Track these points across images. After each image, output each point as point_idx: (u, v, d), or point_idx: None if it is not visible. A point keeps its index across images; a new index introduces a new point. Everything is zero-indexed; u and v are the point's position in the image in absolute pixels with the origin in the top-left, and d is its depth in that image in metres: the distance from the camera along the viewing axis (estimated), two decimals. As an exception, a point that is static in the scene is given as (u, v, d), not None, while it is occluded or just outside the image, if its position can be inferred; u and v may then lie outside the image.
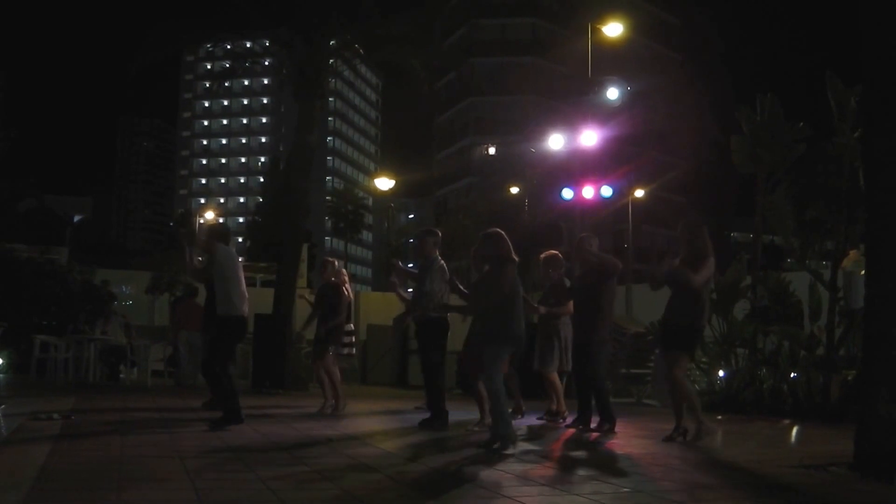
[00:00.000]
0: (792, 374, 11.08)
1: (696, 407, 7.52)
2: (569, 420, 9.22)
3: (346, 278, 10.85)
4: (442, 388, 8.91)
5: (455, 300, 8.73)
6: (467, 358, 8.39)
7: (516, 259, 7.18)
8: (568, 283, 9.74)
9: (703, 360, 11.99)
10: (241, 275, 8.58)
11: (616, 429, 8.39)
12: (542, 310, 9.46)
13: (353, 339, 11.27)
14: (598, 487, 5.26)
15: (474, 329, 7.34)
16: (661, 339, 8.01)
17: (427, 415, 8.94)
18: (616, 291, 9.06)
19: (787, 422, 9.92)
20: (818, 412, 10.02)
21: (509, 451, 6.65)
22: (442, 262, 8.90)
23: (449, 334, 8.97)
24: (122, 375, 15.54)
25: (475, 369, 7.96)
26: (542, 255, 9.91)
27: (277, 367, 14.30)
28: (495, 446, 6.78)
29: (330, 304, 10.47)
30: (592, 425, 8.56)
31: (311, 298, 11.15)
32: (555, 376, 9.63)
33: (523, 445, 7.27)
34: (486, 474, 5.72)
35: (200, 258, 9.31)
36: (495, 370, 6.96)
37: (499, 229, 7.31)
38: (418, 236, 9.44)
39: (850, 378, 10.11)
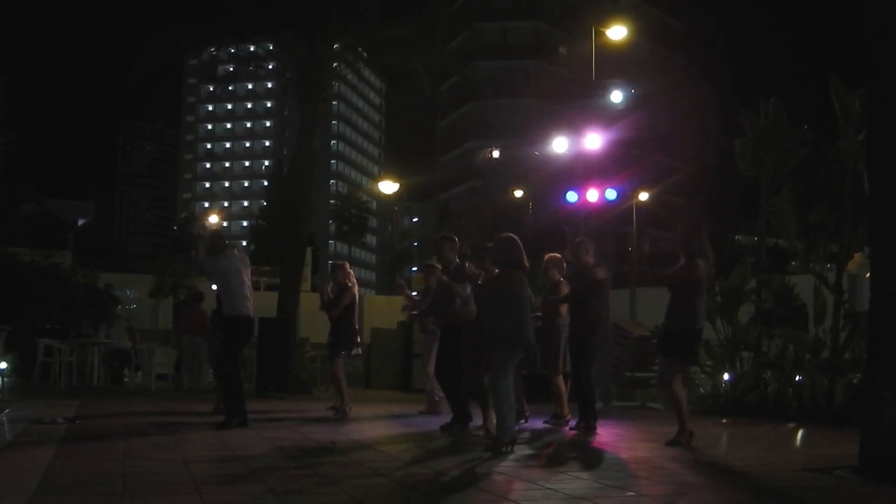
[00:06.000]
0: (797, 378, 11.05)
1: (683, 414, 7.56)
2: (571, 423, 9.23)
3: (353, 279, 10.82)
4: (466, 392, 8.96)
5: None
6: (475, 359, 8.37)
7: (527, 266, 7.23)
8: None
9: (708, 363, 11.98)
10: (242, 276, 8.64)
11: (598, 429, 8.63)
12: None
13: (359, 339, 11.37)
14: (602, 492, 5.26)
15: (481, 331, 7.39)
16: (661, 345, 8.23)
17: (433, 419, 8.94)
18: (605, 297, 9.11)
19: (791, 425, 9.90)
20: (823, 415, 10.02)
21: (504, 450, 6.75)
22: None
23: None
24: (125, 379, 15.54)
25: (483, 370, 8.00)
26: (546, 257, 9.96)
27: (281, 371, 14.30)
28: (502, 448, 6.83)
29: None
30: (572, 423, 8.95)
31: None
32: (560, 380, 9.63)
33: (526, 450, 7.28)
34: (491, 478, 5.73)
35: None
36: (503, 375, 6.99)
37: (513, 235, 7.36)
38: (436, 243, 9.62)
39: (854, 381, 10.11)
